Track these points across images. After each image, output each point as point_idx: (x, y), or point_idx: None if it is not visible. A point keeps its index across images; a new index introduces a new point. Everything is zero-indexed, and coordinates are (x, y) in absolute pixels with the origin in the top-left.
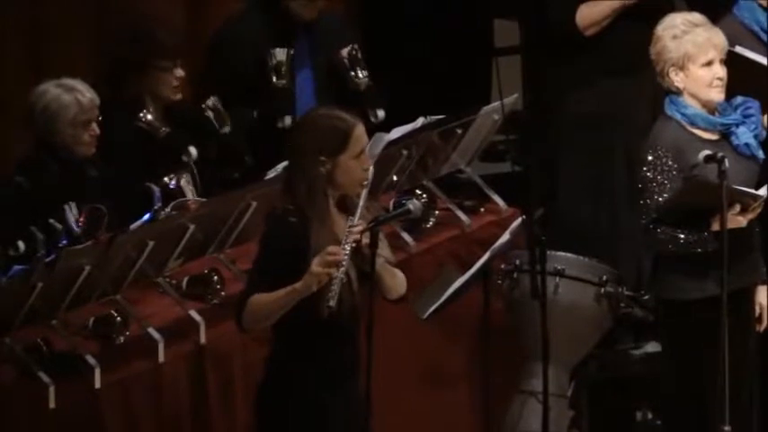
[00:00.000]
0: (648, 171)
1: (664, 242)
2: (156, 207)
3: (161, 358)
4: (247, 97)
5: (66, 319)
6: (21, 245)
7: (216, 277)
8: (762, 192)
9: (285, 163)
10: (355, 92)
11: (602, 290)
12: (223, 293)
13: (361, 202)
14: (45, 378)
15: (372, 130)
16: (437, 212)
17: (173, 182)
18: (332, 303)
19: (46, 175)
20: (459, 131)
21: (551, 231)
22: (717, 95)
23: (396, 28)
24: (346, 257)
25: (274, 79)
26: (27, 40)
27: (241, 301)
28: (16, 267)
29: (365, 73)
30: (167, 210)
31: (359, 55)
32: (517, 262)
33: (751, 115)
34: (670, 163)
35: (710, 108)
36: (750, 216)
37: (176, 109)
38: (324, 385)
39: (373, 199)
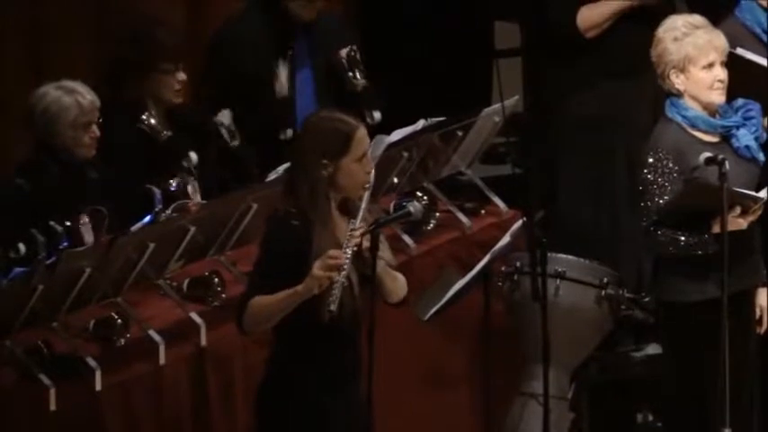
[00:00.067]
0: (649, 173)
1: (664, 244)
2: (156, 209)
3: (162, 360)
4: (247, 101)
5: (66, 322)
6: (21, 247)
7: (217, 279)
8: (762, 194)
9: (286, 165)
10: (352, 93)
11: (603, 292)
12: (224, 296)
13: (363, 205)
14: (46, 380)
15: (373, 131)
16: (438, 214)
17: (174, 184)
18: (333, 307)
19: (46, 177)
20: (460, 133)
21: (552, 233)
22: (718, 98)
23: (394, 28)
24: (348, 261)
25: (277, 90)
26: (27, 40)
27: (242, 303)
28: (17, 270)
29: (363, 74)
30: (168, 212)
31: (357, 56)
32: (518, 264)
33: (752, 117)
34: (671, 165)
35: (711, 110)
36: (750, 218)
37: (178, 113)
38: (325, 389)
39: (374, 201)
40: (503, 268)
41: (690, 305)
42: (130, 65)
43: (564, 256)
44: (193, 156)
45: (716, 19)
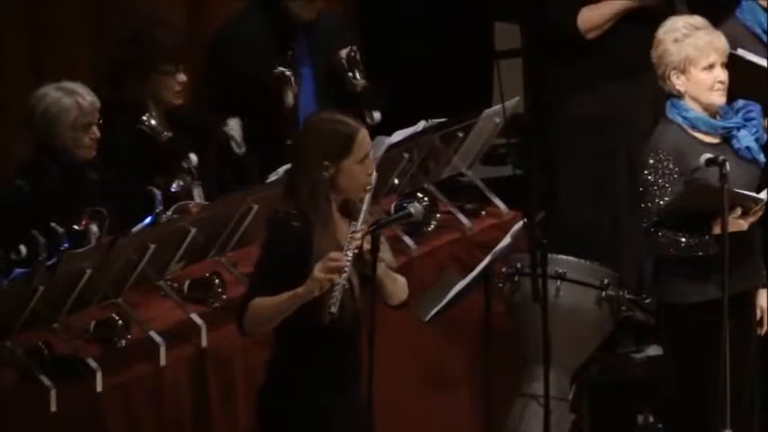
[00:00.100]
0: (650, 174)
1: (665, 245)
2: (157, 210)
3: (162, 361)
4: (251, 108)
5: (67, 323)
6: (22, 248)
7: (217, 280)
8: (763, 195)
9: (287, 166)
10: (352, 93)
11: (604, 293)
12: (224, 297)
13: (365, 207)
14: (46, 381)
15: (373, 132)
16: (438, 216)
17: (175, 185)
18: (333, 310)
19: (46, 178)
20: (461, 134)
21: (552, 234)
22: (718, 99)
23: (394, 28)
24: (348, 263)
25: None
26: (27, 40)
27: (243, 304)
28: (18, 271)
29: (363, 74)
30: (169, 213)
31: (357, 56)
32: (518, 265)
33: (752, 118)
34: (671, 166)
35: (712, 111)
36: (751, 219)
37: (178, 114)
38: (325, 391)
39: (374, 202)
40: (503, 269)
41: (690, 306)
42: (130, 65)
43: (564, 257)
44: (193, 157)
45: (716, 20)
